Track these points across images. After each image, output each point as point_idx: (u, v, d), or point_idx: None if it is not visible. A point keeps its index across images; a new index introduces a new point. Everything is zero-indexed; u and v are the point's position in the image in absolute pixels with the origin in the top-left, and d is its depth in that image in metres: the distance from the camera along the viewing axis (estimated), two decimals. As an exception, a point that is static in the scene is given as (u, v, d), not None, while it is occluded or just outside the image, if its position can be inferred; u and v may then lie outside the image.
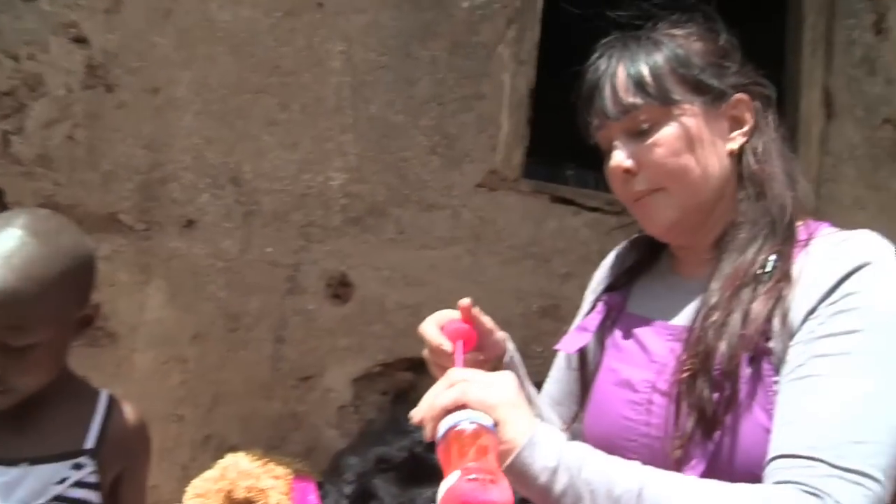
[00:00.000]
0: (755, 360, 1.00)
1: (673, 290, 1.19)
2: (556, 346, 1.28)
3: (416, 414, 0.93)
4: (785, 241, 1.07)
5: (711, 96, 1.13)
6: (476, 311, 1.19)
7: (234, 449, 2.60)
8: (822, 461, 0.88)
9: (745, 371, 0.99)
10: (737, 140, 1.15)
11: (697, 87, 1.12)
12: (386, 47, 2.97)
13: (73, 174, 2.67)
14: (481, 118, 3.01)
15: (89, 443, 1.31)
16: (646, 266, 1.30)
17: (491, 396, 0.91)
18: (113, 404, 1.38)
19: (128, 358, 2.67)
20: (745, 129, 1.15)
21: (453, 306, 3.16)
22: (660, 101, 1.11)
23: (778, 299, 1.01)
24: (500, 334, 1.25)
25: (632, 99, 1.11)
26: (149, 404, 2.59)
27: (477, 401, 0.89)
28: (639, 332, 1.18)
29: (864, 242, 1.01)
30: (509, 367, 1.25)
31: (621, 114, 1.12)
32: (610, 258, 1.39)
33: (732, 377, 0.99)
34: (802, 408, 0.93)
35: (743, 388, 0.99)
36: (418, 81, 2.98)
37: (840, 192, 3.35)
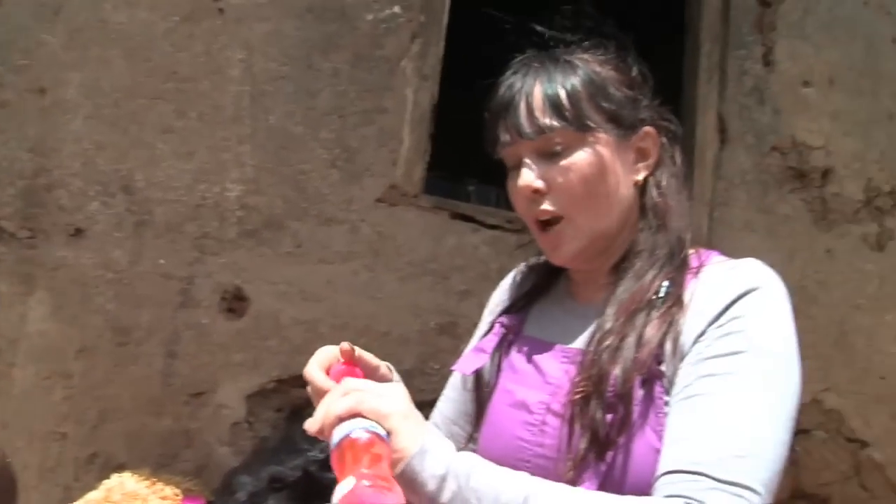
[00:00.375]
0: (647, 383, 1.08)
1: (569, 315, 1.27)
2: (453, 367, 1.33)
3: (312, 424, 1.00)
4: (678, 269, 1.17)
5: (624, 127, 1.20)
6: (358, 353, 1.22)
7: (120, 468, 2.60)
8: (705, 475, 0.96)
9: (638, 393, 1.07)
10: (641, 172, 1.23)
11: (612, 117, 1.19)
12: (287, 57, 3.02)
13: (-48, 177, 2.62)
14: (383, 132, 3.09)
15: None
16: (544, 289, 1.37)
17: (384, 406, 0.97)
18: None
19: (6, 373, 2.65)
20: (650, 161, 1.23)
21: (352, 322, 3.25)
22: (576, 127, 1.16)
23: (670, 324, 1.10)
24: (384, 369, 1.29)
25: (548, 120, 1.16)
26: (29, 422, 2.59)
27: (370, 410, 0.96)
28: (535, 354, 1.24)
29: (751, 270, 1.11)
30: None
31: (536, 134, 1.17)
32: (508, 279, 1.47)
33: (626, 399, 1.07)
34: (689, 425, 1.02)
35: (635, 410, 1.07)
36: (319, 93, 3.04)
37: (732, 216, 3.56)
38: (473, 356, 1.31)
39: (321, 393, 1.09)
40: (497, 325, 1.33)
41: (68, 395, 2.70)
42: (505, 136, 1.21)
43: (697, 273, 1.15)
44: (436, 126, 3.25)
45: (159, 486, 2.54)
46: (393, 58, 3.15)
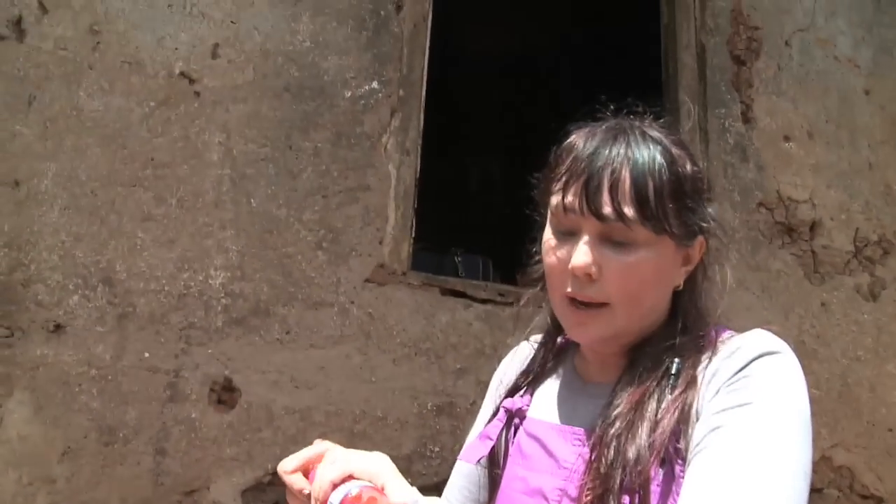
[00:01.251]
0: (666, 463, 1.06)
1: (578, 395, 1.24)
2: (460, 457, 1.31)
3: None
4: (694, 348, 1.15)
5: (688, 237, 1.18)
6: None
7: (110, 577, 2.48)
8: None
9: (657, 473, 1.05)
10: (683, 275, 1.20)
11: (683, 224, 1.16)
12: (267, 138, 3.01)
13: (-75, 280, 2.55)
14: (367, 210, 3.07)
15: None
16: (549, 368, 1.33)
17: (372, 465, 1.05)
18: None
19: (-12, 482, 2.53)
20: (691, 267, 1.21)
21: (345, 408, 3.18)
22: (654, 229, 1.13)
23: (685, 402, 1.09)
24: None
25: (631, 212, 1.12)
26: (13, 533, 2.47)
27: (361, 469, 1.04)
28: (544, 437, 1.21)
29: (765, 338, 1.10)
30: None
31: (614, 220, 1.12)
32: (510, 357, 1.43)
33: (644, 482, 1.04)
34: (701, 479, 1.00)
35: (656, 491, 1.05)
36: (301, 173, 3.02)
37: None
38: (479, 444, 1.28)
39: (297, 495, 1.11)
40: (502, 410, 1.29)
41: (53, 501, 2.60)
42: (574, 203, 1.15)
43: (713, 350, 1.14)
44: (419, 197, 3.24)
45: None
46: (374, 134, 3.15)
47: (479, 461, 1.28)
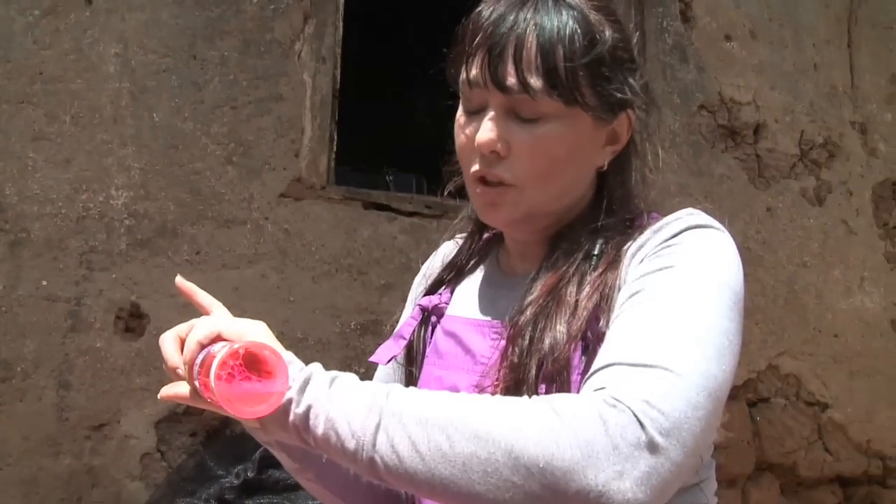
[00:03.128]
0: (588, 349, 1.01)
1: (497, 289, 1.19)
2: (371, 358, 1.24)
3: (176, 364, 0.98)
4: (618, 232, 1.09)
5: (609, 111, 1.09)
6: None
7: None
8: (620, 363, 0.89)
9: (579, 361, 1.00)
10: (607, 156, 1.13)
11: (598, 95, 1.07)
12: (168, 48, 2.86)
13: None
14: (281, 122, 2.94)
15: None
16: (472, 266, 1.28)
17: (245, 326, 0.96)
18: None
19: None
20: (617, 147, 1.13)
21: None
22: (564, 100, 1.05)
23: (605, 286, 1.03)
24: None
25: (536, 82, 1.04)
26: None
27: (232, 332, 0.94)
28: (461, 333, 1.17)
29: (696, 215, 1.05)
30: None
31: (519, 91, 1.04)
32: (433, 258, 1.37)
33: (561, 370, 1.00)
34: (611, 344, 0.93)
35: (576, 380, 0.99)
36: (207, 84, 2.88)
37: (665, 181, 3.47)
38: (392, 344, 1.22)
39: (170, 373, 1.02)
40: (416, 308, 1.24)
41: (-54, 442, 2.49)
42: (478, 76, 1.07)
43: (640, 231, 1.07)
44: (342, 113, 3.11)
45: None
46: (285, 41, 3.00)
47: (390, 361, 1.23)
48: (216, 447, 2.67)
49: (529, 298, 1.07)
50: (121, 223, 2.73)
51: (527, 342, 1.03)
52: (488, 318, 1.16)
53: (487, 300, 1.19)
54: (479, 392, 1.05)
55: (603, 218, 1.10)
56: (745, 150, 3.70)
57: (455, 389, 1.07)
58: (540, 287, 1.07)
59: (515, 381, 1.01)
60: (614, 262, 1.05)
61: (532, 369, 1.01)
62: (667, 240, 1.01)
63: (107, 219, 2.72)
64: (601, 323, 1.01)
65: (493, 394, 1.02)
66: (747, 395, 3.51)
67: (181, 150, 2.82)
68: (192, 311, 2.80)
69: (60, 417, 2.61)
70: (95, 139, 2.74)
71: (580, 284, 1.04)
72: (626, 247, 1.06)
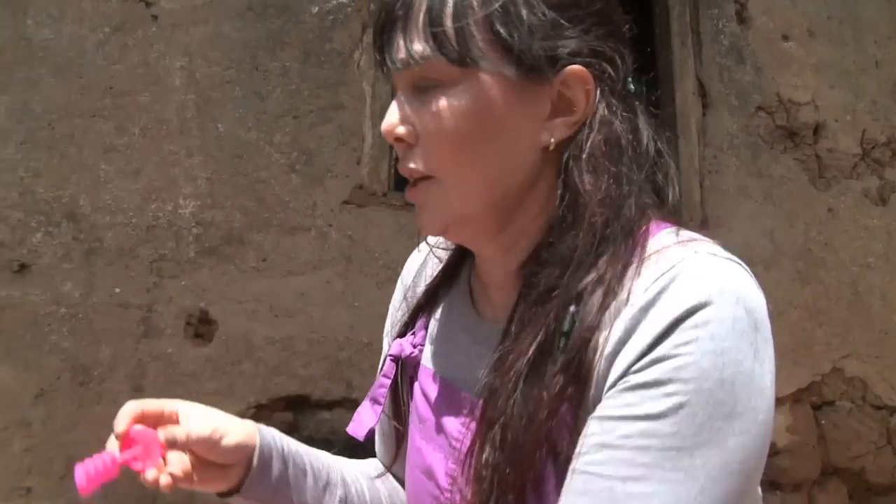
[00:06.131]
0: (562, 454, 0.85)
1: (471, 335, 1.03)
2: (348, 430, 1.11)
3: None
4: (599, 275, 0.86)
5: (527, 66, 0.89)
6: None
7: (93, 517, 2.53)
8: None
9: (548, 472, 0.86)
10: (558, 131, 0.91)
11: (510, 50, 0.88)
12: (231, 60, 3.02)
13: None
14: (342, 130, 3.08)
15: None
16: (445, 289, 1.11)
17: (173, 401, 1.03)
18: None
19: (-40, 426, 2.58)
20: (575, 118, 0.91)
21: (329, 336, 3.21)
22: (453, 59, 0.88)
23: (577, 380, 0.84)
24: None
25: (420, 46, 0.89)
26: (-11, 477, 2.53)
27: (153, 405, 1.02)
28: (437, 399, 1.03)
29: (696, 279, 0.81)
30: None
31: (404, 63, 0.90)
32: (410, 263, 1.22)
33: (523, 487, 0.86)
34: None
35: (550, 493, 0.85)
36: (269, 95, 3.03)
37: (724, 183, 3.58)
38: (368, 411, 1.10)
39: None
40: (388, 361, 1.10)
41: (29, 445, 2.66)
42: (380, 60, 0.94)
43: (633, 272, 0.85)
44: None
45: (139, 532, 2.50)
46: (344, 50, 3.16)
47: (367, 435, 1.10)
48: (284, 450, 2.81)
49: (494, 380, 0.89)
50: (189, 231, 2.90)
51: (488, 452, 0.87)
52: (460, 383, 1.00)
53: (461, 355, 1.03)
54: (453, 483, 0.95)
55: (573, 232, 0.88)
56: (804, 151, 3.77)
57: (432, 473, 1.01)
58: (504, 372, 0.87)
59: (487, 490, 0.87)
60: (584, 347, 0.84)
61: (500, 480, 0.86)
62: (654, 342, 0.79)
63: (175, 227, 2.89)
64: (573, 427, 0.84)
65: (466, 496, 0.91)
66: (811, 398, 3.57)
67: (245, 159, 2.98)
68: (260, 317, 2.95)
69: (135, 421, 2.77)
70: (163, 150, 2.91)
71: (544, 374, 0.85)
72: (606, 314, 0.83)
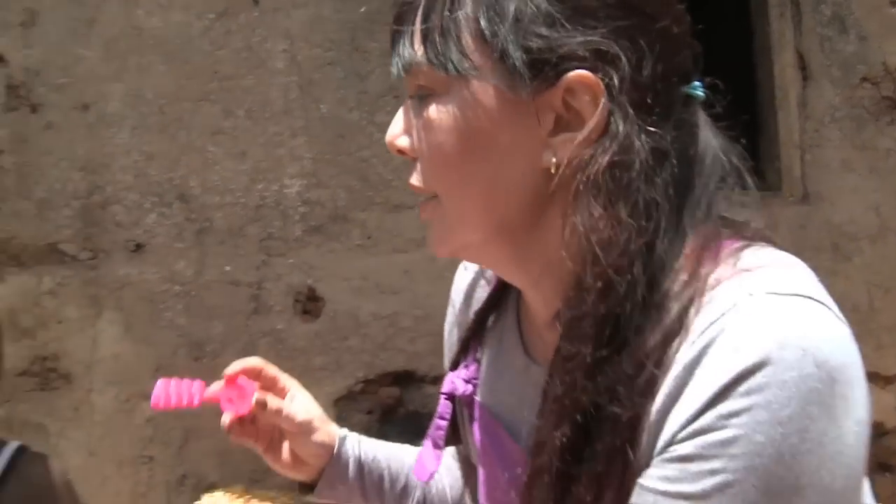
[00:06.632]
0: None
1: (522, 377, 0.96)
2: (413, 473, 1.12)
3: None
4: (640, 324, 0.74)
5: (519, 73, 0.78)
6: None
7: (212, 487, 2.63)
8: None
9: None
10: (562, 148, 0.78)
11: (504, 55, 0.78)
12: (332, 42, 3.08)
13: (4, 204, 2.73)
14: (442, 109, 3.11)
15: None
16: (495, 318, 1.05)
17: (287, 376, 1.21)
18: (19, 460, 1.33)
19: (85, 399, 2.72)
20: (583, 134, 0.77)
21: (434, 312, 3.27)
22: (439, 66, 0.80)
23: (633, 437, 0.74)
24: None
25: (410, 52, 0.82)
26: (114, 447, 2.66)
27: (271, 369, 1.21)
28: (493, 443, 0.99)
29: (751, 335, 0.68)
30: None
31: (403, 70, 0.84)
32: (458, 282, 1.17)
33: None
34: None
35: None
36: (370, 75, 3.09)
37: (826, 157, 3.52)
38: (430, 454, 1.05)
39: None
40: (443, 400, 1.05)
41: (151, 416, 2.77)
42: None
43: (694, 306, 0.73)
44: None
45: (254, 502, 2.58)
46: (442, 29, 3.19)
47: (430, 477, 1.07)
48: (392, 424, 2.88)
49: (540, 432, 0.79)
50: (295, 210, 2.98)
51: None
52: (514, 431, 0.94)
53: (515, 397, 0.95)
54: None
55: (587, 294, 0.74)
56: (912, 122, 3.69)
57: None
58: (548, 436, 0.77)
59: None
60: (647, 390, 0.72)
61: None
62: (706, 406, 0.67)
63: (282, 207, 2.97)
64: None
65: None
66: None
67: (348, 139, 3.05)
68: (366, 293, 3.01)
69: (247, 395, 2.86)
70: (268, 132, 3.00)
71: (594, 437, 0.74)
72: (667, 357, 0.72)
